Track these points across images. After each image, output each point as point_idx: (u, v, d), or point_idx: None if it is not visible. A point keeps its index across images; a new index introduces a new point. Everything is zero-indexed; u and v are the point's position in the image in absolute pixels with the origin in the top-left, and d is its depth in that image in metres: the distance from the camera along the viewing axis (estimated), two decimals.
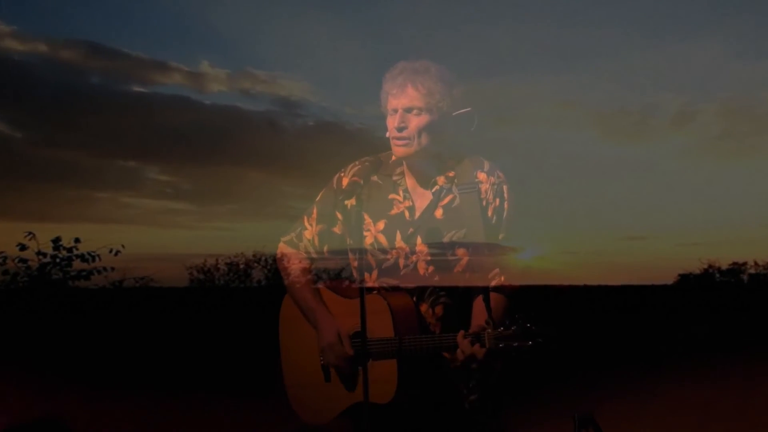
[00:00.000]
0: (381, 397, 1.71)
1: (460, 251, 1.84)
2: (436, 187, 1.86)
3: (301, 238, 1.94)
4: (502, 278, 1.83)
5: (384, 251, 1.86)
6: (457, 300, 1.85)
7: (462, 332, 1.69)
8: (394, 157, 1.87)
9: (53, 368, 5.79)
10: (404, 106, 1.77)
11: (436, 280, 1.85)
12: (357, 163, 1.92)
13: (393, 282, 1.84)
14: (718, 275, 19.37)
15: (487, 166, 1.87)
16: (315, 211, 1.94)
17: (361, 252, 1.85)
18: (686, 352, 7.89)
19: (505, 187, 1.87)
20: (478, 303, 1.82)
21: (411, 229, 1.86)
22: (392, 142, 1.80)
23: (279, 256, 1.97)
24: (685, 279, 19.74)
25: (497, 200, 1.86)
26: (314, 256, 1.92)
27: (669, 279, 19.71)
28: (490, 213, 1.86)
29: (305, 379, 1.88)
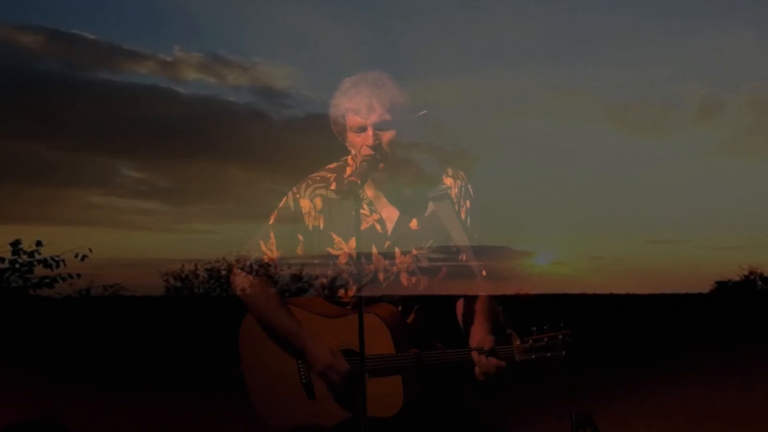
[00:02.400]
0: (386, 410, 1.85)
1: (444, 257, 2.02)
2: (403, 196, 2.04)
3: (260, 262, 2.07)
4: (483, 272, 2.02)
5: (361, 267, 1.99)
6: (440, 306, 2.06)
7: (490, 346, 1.84)
8: (350, 170, 2.04)
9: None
10: (374, 122, 1.90)
11: (422, 289, 2.02)
12: (310, 180, 2.07)
13: (375, 296, 1.99)
14: (760, 282, 19.41)
15: (450, 170, 2.08)
16: (272, 235, 2.06)
17: (335, 270, 2.01)
18: (683, 351, 8.44)
19: (469, 186, 2.07)
20: (478, 309, 2.01)
21: (388, 243, 2.02)
22: (364, 159, 1.91)
23: (239, 284, 2.08)
24: (722, 286, 19.77)
25: (467, 202, 2.07)
26: (276, 280, 2.05)
27: (705, 287, 19.74)
28: (463, 216, 2.06)
29: (283, 399, 2.00)
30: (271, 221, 2.07)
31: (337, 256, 2.00)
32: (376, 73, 1.94)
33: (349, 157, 2.05)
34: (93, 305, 9.84)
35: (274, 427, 2.01)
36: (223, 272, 15.34)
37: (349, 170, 2.02)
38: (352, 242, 1.99)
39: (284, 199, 2.07)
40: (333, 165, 2.08)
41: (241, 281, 2.07)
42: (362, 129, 1.91)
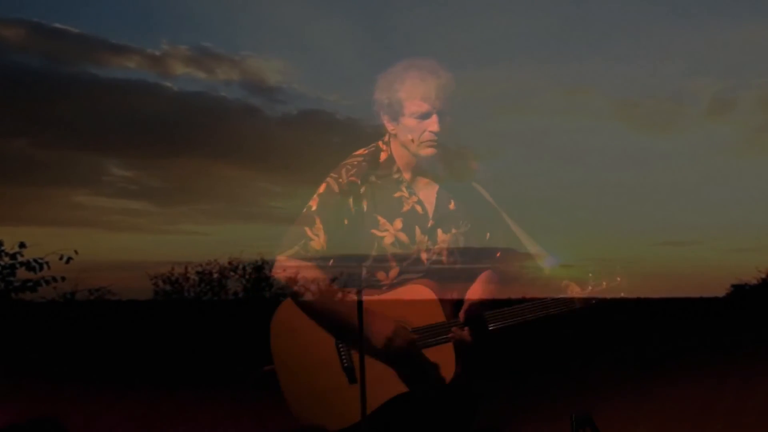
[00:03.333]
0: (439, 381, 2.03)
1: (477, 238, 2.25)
2: (439, 179, 2.23)
3: (308, 250, 2.14)
4: (498, 254, 2.24)
5: (406, 248, 2.17)
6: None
7: (460, 321, 2.06)
8: (385, 155, 2.21)
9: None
10: (439, 109, 2.08)
11: (459, 268, 2.19)
12: (348, 165, 2.18)
13: (417, 276, 2.15)
14: None
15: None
16: (318, 220, 2.15)
17: (380, 251, 2.15)
18: (683, 353, 8.85)
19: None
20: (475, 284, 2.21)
21: (431, 222, 2.20)
22: (423, 144, 2.10)
23: (288, 271, 2.15)
24: (739, 290, 19.76)
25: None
26: (323, 265, 2.13)
27: (720, 291, 19.71)
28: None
29: (321, 389, 2.10)
30: (313, 207, 2.14)
31: (382, 237, 2.13)
32: (428, 59, 2.09)
33: (380, 142, 2.20)
34: (78, 309, 9.85)
35: (310, 421, 2.09)
36: (215, 275, 15.36)
37: (383, 155, 2.18)
38: (398, 223, 2.15)
39: (324, 185, 2.16)
40: (363, 151, 2.21)
41: (288, 268, 2.14)
42: (427, 115, 2.07)
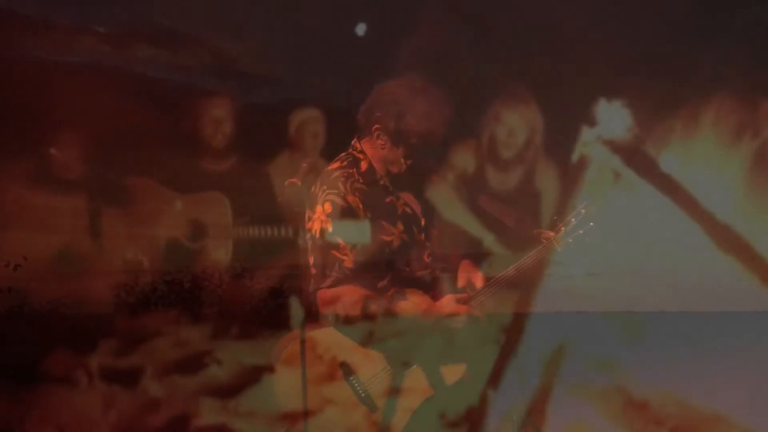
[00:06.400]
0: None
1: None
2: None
3: (345, 272, 2.78)
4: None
5: (410, 249, 2.62)
6: None
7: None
8: (365, 164, 2.72)
9: None
10: (442, 134, 2.61)
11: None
12: (342, 177, 2.45)
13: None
14: None
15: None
16: (340, 240, 2.36)
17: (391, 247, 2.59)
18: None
19: None
20: None
21: (423, 220, 2.66)
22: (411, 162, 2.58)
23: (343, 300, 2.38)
24: None
25: None
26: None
27: None
28: None
29: (348, 428, 2.18)
30: (330, 229, 2.32)
31: (390, 242, 2.48)
32: (440, 90, 2.32)
33: (353, 151, 2.48)
34: (27, 325, 9.86)
35: None
36: (187, 285, 15.33)
37: (363, 164, 2.32)
38: (399, 226, 2.52)
39: (328, 204, 2.33)
40: (340, 163, 2.48)
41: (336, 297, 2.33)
42: (431, 142, 2.30)
